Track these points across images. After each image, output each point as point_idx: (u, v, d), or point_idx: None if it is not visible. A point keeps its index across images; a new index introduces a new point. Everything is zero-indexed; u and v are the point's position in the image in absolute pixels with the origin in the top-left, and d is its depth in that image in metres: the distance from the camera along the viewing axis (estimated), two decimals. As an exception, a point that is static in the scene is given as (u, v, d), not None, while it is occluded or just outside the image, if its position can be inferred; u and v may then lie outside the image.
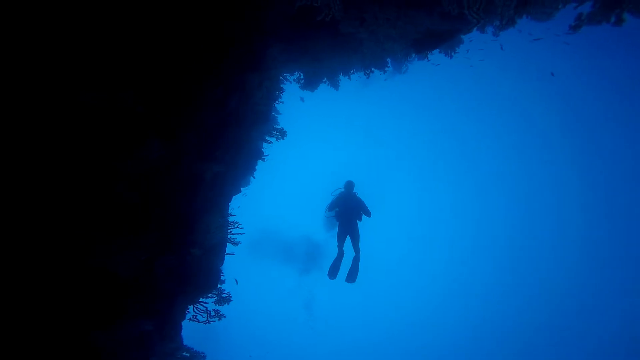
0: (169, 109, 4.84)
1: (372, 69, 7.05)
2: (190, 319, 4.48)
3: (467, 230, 34.69)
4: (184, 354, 4.08)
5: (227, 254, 5.91)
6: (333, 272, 8.31)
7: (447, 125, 35.02)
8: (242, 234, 5.73)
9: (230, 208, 6.34)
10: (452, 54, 6.85)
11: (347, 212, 8.20)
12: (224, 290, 4.94)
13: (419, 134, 35.52)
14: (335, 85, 8.03)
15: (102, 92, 3.56)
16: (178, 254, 4.31)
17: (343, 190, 8.35)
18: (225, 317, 4.54)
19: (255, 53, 6.46)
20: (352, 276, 8.25)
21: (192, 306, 4.52)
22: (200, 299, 4.61)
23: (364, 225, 8.38)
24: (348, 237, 8.36)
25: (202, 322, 4.47)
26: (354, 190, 8.31)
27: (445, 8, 4.94)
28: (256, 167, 7.99)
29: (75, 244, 2.88)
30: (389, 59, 7.17)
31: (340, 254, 8.41)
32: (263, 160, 8.01)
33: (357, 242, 8.29)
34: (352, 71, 7.75)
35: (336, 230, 8.49)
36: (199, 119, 5.74)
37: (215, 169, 6.03)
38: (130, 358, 3.38)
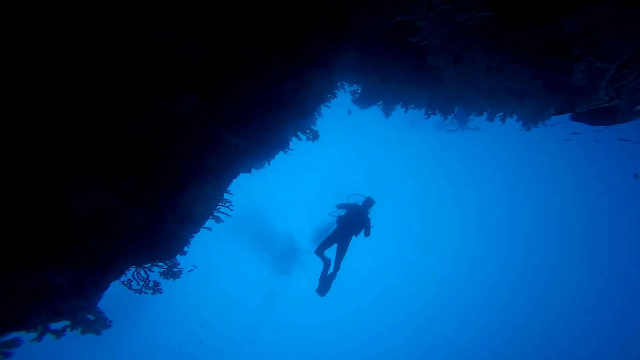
0: (224, 70, 4.51)
1: (437, 111, 6.48)
2: (122, 282, 4.04)
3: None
4: (89, 316, 3.62)
5: (203, 227, 5.54)
6: (323, 288, 7.76)
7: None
8: (228, 215, 5.32)
9: (231, 185, 5.97)
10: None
11: (350, 222, 7.74)
12: (179, 264, 4.52)
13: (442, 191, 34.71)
14: (387, 111, 7.54)
15: (173, 33, 3.25)
16: (152, 210, 3.92)
17: (362, 198, 7.92)
18: (161, 293, 4.11)
19: (330, 50, 6.08)
20: (323, 289, 7.75)
21: (134, 268, 4.11)
22: (147, 265, 4.18)
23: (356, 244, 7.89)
24: (335, 246, 7.85)
25: (133, 289, 4.03)
26: (369, 210, 7.83)
27: (574, 80, 4.29)
28: (276, 156, 7.61)
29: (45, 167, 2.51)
30: (457, 108, 6.58)
31: (326, 263, 7.87)
32: (285, 152, 7.62)
33: (341, 257, 7.80)
34: (412, 105, 7.25)
35: (324, 237, 7.98)
36: (246, 90, 5.44)
37: (234, 141, 5.67)
38: (33, 307, 2.97)
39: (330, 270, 7.77)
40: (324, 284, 7.71)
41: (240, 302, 29.77)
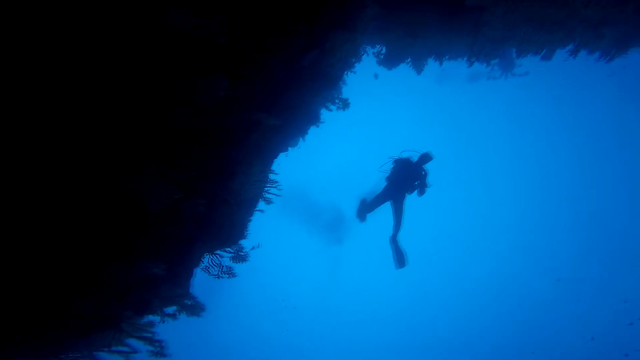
0: (249, 48, 4.45)
1: (479, 57, 6.07)
2: (202, 269, 4.30)
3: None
4: (187, 301, 3.91)
5: (256, 210, 5.68)
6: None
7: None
8: (278, 195, 5.40)
9: (273, 165, 6.03)
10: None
11: (403, 178, 7.19)
12: (244, 248, 4.70)
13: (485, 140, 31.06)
14: (418, 67, 7.19)
15: (189, 14, 3.21)
16: (209, 200, 4.04)
17: (417, 154, 7.19)
18: (236, 276, 4.31)
19: (348, 11, 5.86)
20: (399, 259, 7.31)
21: (207, 255, 4.32)
22: (218, 251, 4.38)
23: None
24: (389, 204, 7.43)
25: (212, 275, 4.27)
26: (426, 166, 7.13)
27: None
28: (308, 131, 7.58)
29: (109, 163, 2.60)
30: (500, 52, 6.10)
31: (369, 208, 7.54)
32: (317, 126, 7.57)
33: (399, 217, 7.36)
34: (446, 57, 6.89)
35: (373, 197, 7.57)
36: (270, 67, 5.38)
37: (271, 122, 5.69)
38: (136, 298, 3.22)
39: (391, 232, 7.51)
40: (397, 256, 7.39)
41: (305, 278, 29.18)
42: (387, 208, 7.60)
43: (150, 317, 3.55)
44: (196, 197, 3.63)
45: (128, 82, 2.89)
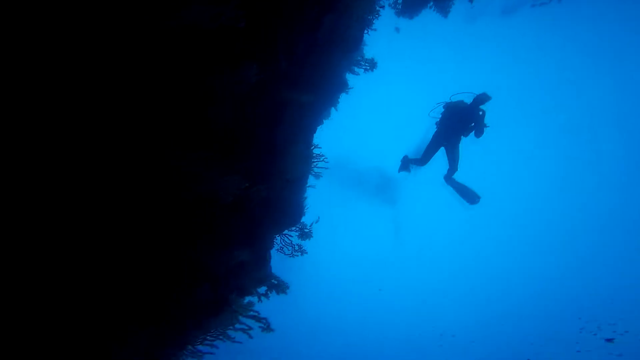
0: (267, 28, 4.44)
1: None
2: (277, 250, 4.56)
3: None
4: (273, 281, 4.20)
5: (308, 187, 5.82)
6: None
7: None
8: (326, 167, 5.49)
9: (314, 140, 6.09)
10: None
11: (456, 121, 6.78)
12: (306, 225, 4.89)
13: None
14: (444, 9, 6.74)
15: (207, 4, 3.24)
16: (268, 184, 4.20)
17: (472, 96, 6.74)
18: (307, 253, 4.54)
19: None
20: (467, 195, 7.02)
21: (278, 237, 4.56)
22: (285, 232, 4.60)
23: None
24: (442, 150, 7.13)
25: (287, 254, 4.52)
26: (482, 107, 6.64)
27: None
28: (339, 100, 7.51)
29: (181, 170, 2.77)
30: None
31: (419, 161, 7.30)
32: (346, 93, 7.47)
33: (454, 160, 7.06)
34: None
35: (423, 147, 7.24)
36: (290, 42, 5.33)
37: (303, 99, 5.71)
38: (231, 284, 3.51)
39: (445, 173, 7.29)
40: (463, 193, 7.15)
41: (368, 244, 28.81)
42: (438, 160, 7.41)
43: (249, 299, 3.89)
44: (258, 183, 3.79)
45: (171, 83, 3.01)
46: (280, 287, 4.14)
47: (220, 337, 3.31)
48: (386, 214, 27.80)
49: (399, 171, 7.78)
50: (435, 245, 29.12)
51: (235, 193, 3.31)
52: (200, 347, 3.28)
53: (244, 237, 3.66)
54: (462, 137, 6.97)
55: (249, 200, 3.67)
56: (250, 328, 3.54)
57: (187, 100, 3.06)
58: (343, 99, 7.63)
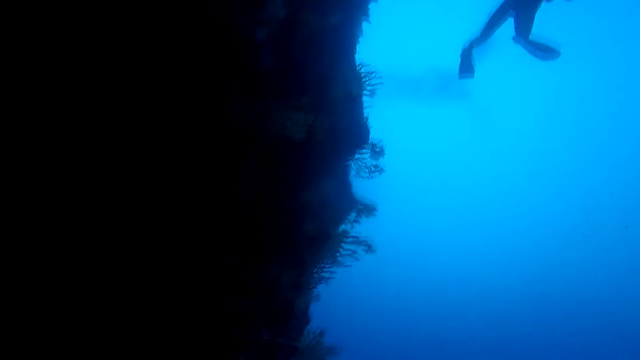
0: None
1: None
2: (355, 175, 4.63)
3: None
4: (359, 206, 4.36)
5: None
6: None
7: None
8: (379, 83, 5.22)
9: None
10: None
11: None
12: (375, 143, 4.82)
13: None
14: None
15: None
16: (327, 111, 4.16)
17: None
18: (384, 170, 4.53)
19: None
20: (544, 50, 6.06)
21: (351, 163, 4.60)
22: (357, 155, 4.62)
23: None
24: (511, 19, 5.98)
25: (365, 177, 4.58)
26: None
27: None
28: (369, 10, 6.90)
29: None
30: None
31: (479, 38, 6.16)
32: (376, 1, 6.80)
33: (527, 25, 5.84)
34: None
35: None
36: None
37: (331, 20, 5.36)
38: (324, 216, 3.73)
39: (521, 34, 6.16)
40: (534, 46, 6.18)
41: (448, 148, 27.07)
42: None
43: (342, 227, 4.14)
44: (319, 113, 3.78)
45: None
46: (368, 210, 4.29)
47: (334, 264, 3.61)
48: (460, 111, 24.72)
49: (460, 75, 6.67)
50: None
51: (304, 129, 3.34)
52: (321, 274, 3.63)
53: (323, 168, 3.77)
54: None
55: (316, 133, 3.70)
56: (355, 252, 3.79)
57: (233, 51, 3.03)
58: (373, 8, 6.99)
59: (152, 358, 2.45)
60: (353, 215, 4.34)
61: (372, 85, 5.20)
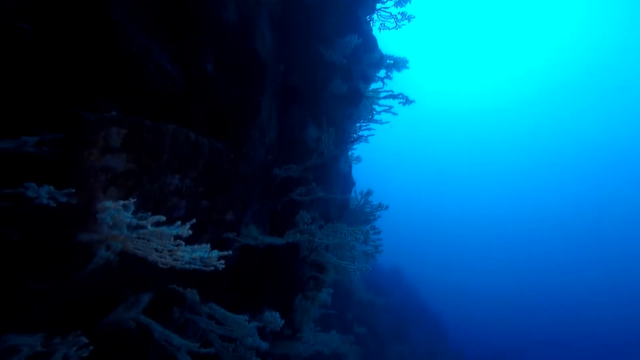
0: None
1: None
2: (380, 29, 4.30)
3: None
4: (388, 61, 4.15)
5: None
6: None
7: None
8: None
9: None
10: None
11: None
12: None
13: None
14: None
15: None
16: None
17: None
18: (414, 17, 4.12)
19: None
20: None
21: (375, 15, 4.23)
22: (378, 6, 4.20)
23: None
24: None
25: (391, 28, 4.24)
26: None
27: None
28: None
29: None
30: None
31: None
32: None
33: None
34: None
35: None
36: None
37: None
38: (353, 72, 3.64)
39: None
40: None
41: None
42: None
43: (373, 85, 4.10)
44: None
45: None
46: (398, 64, 4.08)
47: (370, 121, 3.67)
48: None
49: None
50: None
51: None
52: (360, 132, 3.76)
53: (345, 21, 3.53)
54: None
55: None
56: (390, 106, 3.79)
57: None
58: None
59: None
60: (383, 72, 4.19)
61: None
